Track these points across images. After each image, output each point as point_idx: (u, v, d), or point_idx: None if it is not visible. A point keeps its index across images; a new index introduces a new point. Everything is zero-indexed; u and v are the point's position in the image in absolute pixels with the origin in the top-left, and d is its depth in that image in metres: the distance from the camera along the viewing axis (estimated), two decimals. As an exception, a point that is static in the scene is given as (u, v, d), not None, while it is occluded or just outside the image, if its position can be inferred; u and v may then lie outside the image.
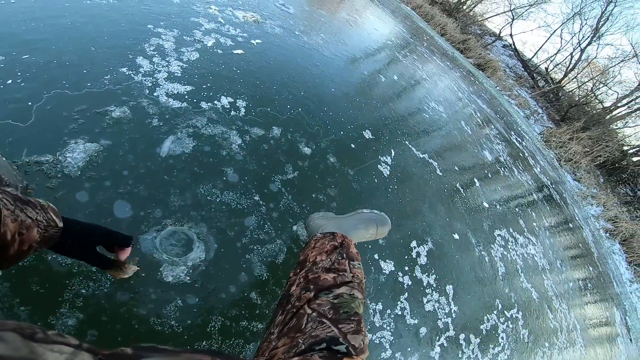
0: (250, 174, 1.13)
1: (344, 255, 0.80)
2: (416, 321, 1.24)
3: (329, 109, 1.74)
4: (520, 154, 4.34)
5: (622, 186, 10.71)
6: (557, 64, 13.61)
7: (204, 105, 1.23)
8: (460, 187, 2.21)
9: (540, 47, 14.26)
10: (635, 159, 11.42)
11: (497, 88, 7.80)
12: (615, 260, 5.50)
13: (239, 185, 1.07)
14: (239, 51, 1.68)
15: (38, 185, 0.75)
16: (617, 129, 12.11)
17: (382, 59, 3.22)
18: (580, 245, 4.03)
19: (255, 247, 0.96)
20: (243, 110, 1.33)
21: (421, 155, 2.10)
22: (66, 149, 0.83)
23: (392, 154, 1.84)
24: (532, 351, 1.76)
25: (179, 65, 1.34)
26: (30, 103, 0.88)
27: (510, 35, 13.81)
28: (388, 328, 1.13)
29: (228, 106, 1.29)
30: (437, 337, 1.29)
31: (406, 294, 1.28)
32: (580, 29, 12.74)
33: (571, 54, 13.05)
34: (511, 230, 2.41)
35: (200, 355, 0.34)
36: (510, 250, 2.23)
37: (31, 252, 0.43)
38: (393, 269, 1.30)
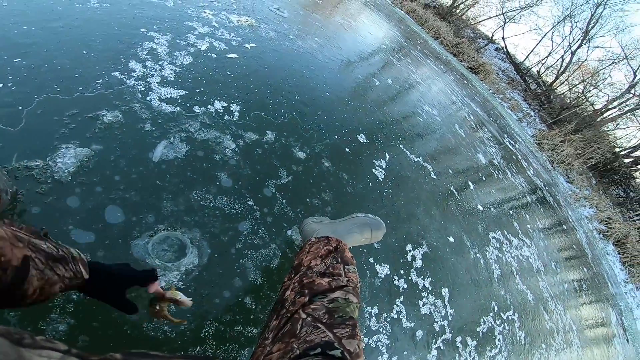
0: (244, 179, 1.13)
1: (339, 259, 0.81)
2: (412, 324, 1.25)
3: (324, 113, 1.76)
4: (514, 157, 4.42)
5: (614, 187, 10.95)
6: (549, 67, 13.96)
7: (197, 109, 1.23)
8: (454, 190, 2.25)
9: (532, 50, 14.62)
10: (626, 160, 11.70)
11: (490, 91, 7.96)
12: (610, 261, 5.60)
13: (233, 190, 1.08)
14: (233, 55, 1.69)
15: (28, 191, 0.75)
16: (608, 130, 12.41)
17: (377, 63, 3.27)
18: (574, 246, 4.09)
19: (249, 252, 0.96)
20: (237, 114, 1.34)
21: (415, 159, 2.12)
22: (57, 154, 0.83)
23: (387, 158, 1.86)
24: (529, 353, 1.78)
25: (172, 70, 1.35)
26: (20, 107, 0.88)
27: (503, 38, 14.13)
28: (384, 332, 1.14)
29: (222, 111, 1.30)
30: (434, 340, 1.30)
31: (402, 298, 1.29)
32: (571, 32, 13.10)
33: (562, 56, 13.39)
34: (506, 233, 2.45)
35: None
36: (505, 252, 2.26)
37: (49, 299, 0.45)
38: (388, 272, 1.31)
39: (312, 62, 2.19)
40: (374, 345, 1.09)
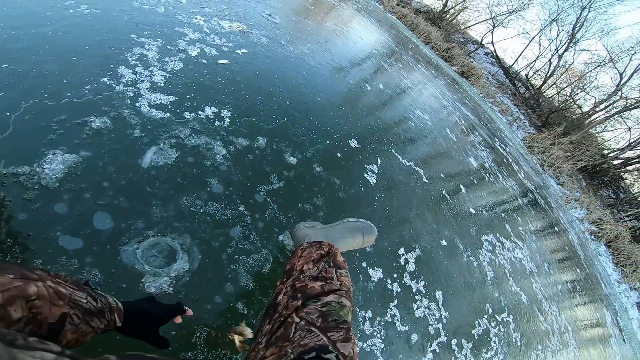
0: (235, 185, 1.14)
1: (331, 263, 0.82)
2: (407, 328, 1.27)
3: (315, 118, 1.79)
4: (505, 160, 4.53)
5: (604, 189, 11.26)
6: (537, 71, 14.39)
7: (187, 115, 1.24)
8: (446, 194, 2.29)
9: (520, 54, 15.06)
10: (615, 162, 12.07)
11: (481, 95, 8.16)
12: (602, 262, 5.72)
13: (224, 196, 1.09)
14: (224, 61, 1.72)
15: (15, 197, 0.74)
16: (596, 133, 12.81)
17: (368, 68, 3.33)
18: (567, 248, 4.18)
19: (240, 257, 0.97)
20: (228, 120, 1.35)
21: (407, 163, 2.16)
22: (44, 160, 0.83)
23: (379, 163, 1.89)
24: (525, 354, 1.81)
25: (162, 75, 1.36)
26: (8, 113, 0.88)
27: (492, 42, 14.55)
28: (379, 335, 1.15)
29: (212, 116, 1.32)
30: (429, 343, 1.31)
31: (396, 301, 1.30)
32: (558, 35, 13.57)
33: (549, 60, 13.83)
34: (498, 235, 2.50)
35: None
36: (498, 254, 2.31)
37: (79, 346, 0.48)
38: (381, 276, 1.33)
39: (303, 68, 2.22)
40: (369, 349, 1.10)
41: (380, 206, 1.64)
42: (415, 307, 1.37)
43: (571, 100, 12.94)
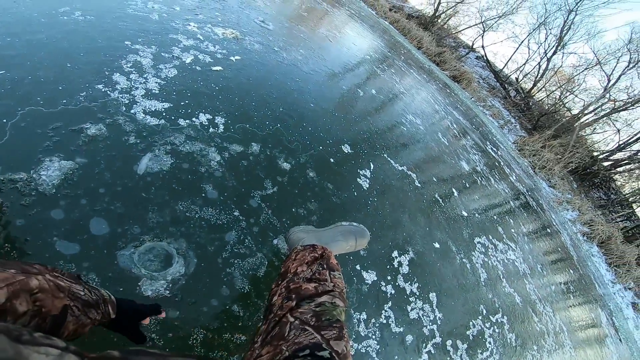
0: (229, 190, 1.17)
1: (325, 266, 0.86)
2: (402, 329, 1.30)
3: (308, 124, 1.83)
4: (496, 163, 4.64)
5: (595, 191, 11.54)
6: (526, 74, 14.80)
7: (182, 122, 1.27)
8: (439, 198, 2.35)
9: (510, 58, 15.48)
10: (605, 163, 12.39)
11: (472, 99, 8.35)
12: (595, 263, 5.84)
13: (219, 201, 1.12)
14: (218, 68, 1.75)
15: (12, 203, 0.76)
16: (585, 135, 13.17)
17: (361, 74, 3.41)
18: (560, 249, 4.28)
19: (236, 261, 0.99)
20: (222, 127, 1.39)
21: (400, 168, 2.22)
22: (41, 167, 0.85)
23: (371, 167, 1.94)
24: (520, 354, 1.85)
25: (156, 82, 1.39)
26: (5, 120, 0.90)
27: (482, 46, 14.92)
28: (374, 337, 1.18)
29: (207, 123, 1.35)
30: (424, 345, 1.34)
31: (390, 303, 1.34)
32: (546, 39, 13.99)
33: (539, 63, 14.24)
34: (491, 238, 2.56)
35: (188, 359, 0.38)
36: (491, 256, 2.36)
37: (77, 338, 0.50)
38: (375, 278, 1.37)
39: (296, 74, 2.28)
40: (364, 351, 1.12)
41: (373, 210, 1.68)
42: (409, 308, 1.41)
43: (560, 103, 13.31)
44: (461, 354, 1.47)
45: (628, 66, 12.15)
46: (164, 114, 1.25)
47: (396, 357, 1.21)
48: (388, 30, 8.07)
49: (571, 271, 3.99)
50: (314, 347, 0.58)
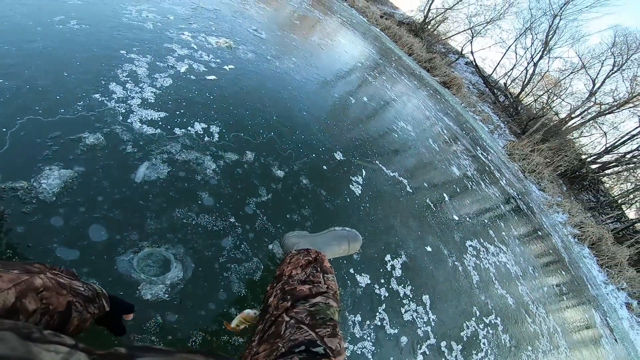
0: (225, 198, 1.22)
1: (318, 269, 0.90)
2: (396, 331, 1.34)
3: (301, 132, 1.90)
4: (487, 168, 4.78)
5: (584, 193, 11.88)
6: (514, 79, 15.28)
7: (177, 131, 1.32)
8: (430, 203, 2.42)
9: (498, 63, 16.01)
10: (593, 166, 12.79)
11: (462, 105, 8.58)
12: (587, 264, 5.98)
13: (215, 208, 1.16)
14: (212, 77, 1.81)
15: (14, 211, 0.79)
16: (573, 139, 13.59)
17: (353, 81, 3.51)
18: (551, 251, 4.39)
19: (232, 266, 1.03)
20: (217, 135, 1.43)
21: (391, 174, 2.29)
22: (41, 175, 0.89)
23: (363, 174, 2.01)
24: (515, 355, 1.90)
25: (152, 92, 1.43)
26: (4, 129, 0.93)
27: (471, 52, 15.38)
28: (368, 338, 1.22)
29: (202, 132, 1.39)
30: (419, 346, 1.39)
31: (384, 305, 1.38)
32: (532, 44, 14.51)
33: (526, 68, 14.73)
34: (482, 241, 2.64)
35: (194, 355, 0.40)
36: (483, 259, 2.43)
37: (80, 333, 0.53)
38: (369, 281, 1.41)
39: (289, 83, 2.35)
40: (360, 352, 1.16)
41: (366, 215, 1.74)
42: (403, 310, 1.45)
43: (548, 107, 13.75)
44: (456, 355, 1.52)
45: (612, 69, 12.66)
46: (160, 123, 1.30)
47: (391, 358, 1.25)
48: (379, 37, 8.27)
49: (563, 273, 4.09)
50: (309, 343, 0.62)
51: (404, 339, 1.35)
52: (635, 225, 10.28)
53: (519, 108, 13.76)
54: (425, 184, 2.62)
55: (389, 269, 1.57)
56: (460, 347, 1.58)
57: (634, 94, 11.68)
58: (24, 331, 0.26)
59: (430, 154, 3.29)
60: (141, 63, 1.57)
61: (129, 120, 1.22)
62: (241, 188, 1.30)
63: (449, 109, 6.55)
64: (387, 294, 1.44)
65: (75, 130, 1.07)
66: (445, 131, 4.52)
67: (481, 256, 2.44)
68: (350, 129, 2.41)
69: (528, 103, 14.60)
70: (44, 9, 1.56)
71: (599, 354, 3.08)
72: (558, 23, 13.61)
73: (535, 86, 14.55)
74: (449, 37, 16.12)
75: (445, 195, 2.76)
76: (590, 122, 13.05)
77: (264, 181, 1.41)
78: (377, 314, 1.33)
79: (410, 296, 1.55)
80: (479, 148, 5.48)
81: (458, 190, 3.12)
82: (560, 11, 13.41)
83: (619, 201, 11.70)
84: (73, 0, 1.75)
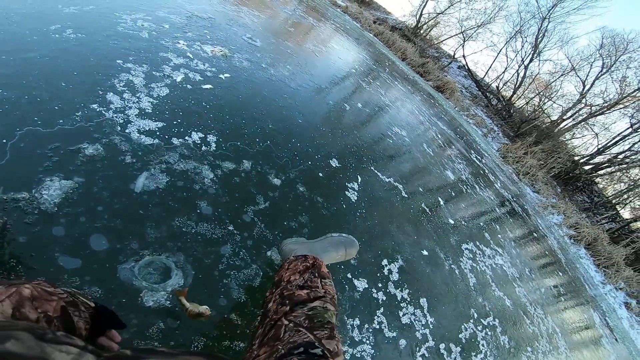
0: (223, 206, 1.25)
1: (316, 274, 0.94)
2: (395, 334, 1.37)
3: (297, 140, 1.94)
4: (481, 172, 4.87)
5: (578, 194, 12.09)
6: (506, 82, 15.63)
7: (175, 141, 1.35)
8: (426, 207, 2.47)
9: (490, 67, 16.37)
10: (586, 167, 13.04)
11: (456, 109, 8.74)
12: (584, 264, 6.06)
13: (213, 216, 1.19)
14: (208, 86, 1.85)
15: (16, 222, 0.82)
16: (566, 140, 13.88)
17: (347, 88, 3.58)
18: (547, 252, 4.46)
19: (232, 273, 1.06)
20: (214, 145, 1.47)
21: (387, 180, 2.34)
22: (42, 186, 0.91)
23: (359, 180, 2.05)
24: (515, 356, 1.93)
25: (149, 102, 1.46)
26: (4, 140, 0.96)
27: (463, 56, 15.70)
28: (367, 342, 1.25)
29: (199, 141, 1.43)
30: (418, 348, 1.42)
31: (382, 309, 1.42)
32: (522, 47, 14.86)
33: (517, 71, 15.06)
34: (478, 244, 2.69)
35: (196, 357, 0.43)
36: (479, 262, 2.48)
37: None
38: (367, 286, 1.45)
39: (284, 90, 2.40)
40: (359, 355, 1.19)
41: (362, 221, 1.78)
42: (401, 314, 1.48)
43: (540, 109, 14.05)
44: (455, 357, 1.55)
45: (601, 71, 13.00)
46: (157, 133, 1.33)
47: (391, 361, 1.28)
48: (373, 42, 8.43)
49: (560, 274, 4.16)
50: (308, 345, 0.66)
51: (402, 342, 1.38)
52: (631, 225, 10.48)
53: (512, 111, 14.06)
54: (420, 189, 2.68)
55: (386, 273, 1.61)
56: (459, 349, 1.61)
57: (624, 95, 12.02)
58: (39, 331, 0.27)
59: (425, 158, 3.36)
60: (137, 72, 1.60)
61: (127, 131, 1.25)
62: (239, 196, 1.33)
63: (443, 113, 6.68)
64: (384, 298, 1.48)
65: (75, 141, 1.09)
66: (439, 135, 4.61)
67: (477, 259, 2.49)
68: (345, 135, 2.46)
69: (520, 106, 14.93)
70: (40, 18, 1.58)
71: (600, 353, 3.13)
72: (547, 26, 14.02)
73: (526, 89, 14.90)
74: (442, 42, 16.48)
75: (440, 199, 2.81)
76: (582, 123, 13.37)
77: (261, 189, 1.44)
78: (376, 317, 1.36)
79: (408, 299, 1.59)
80: (473, 152, 5.59)
81: (453, 194, 3.18)
82: (549, 14, 13.81)
83: (613, 201, 11.94)
84: (69, 8, 1.79)
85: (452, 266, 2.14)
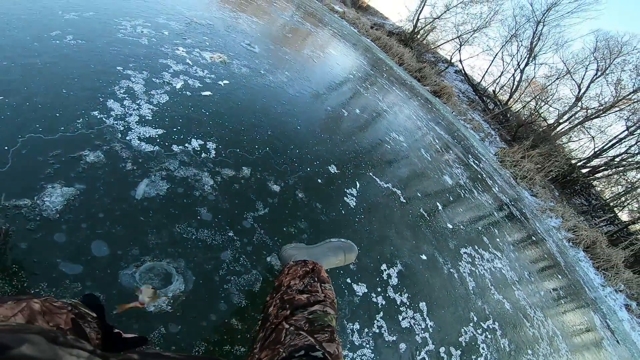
0: (223, 213, 1.26)
1: (316, 279, 0.95)
2: (394, 338, 1.38)
3: (296, 146, 1.97)
4: (479, 176, 4.91)
5: (576, 197, 12.17)
6: (502, 86, 15.81)
7: (175, 148, 1.37)
8: (424, 212, 2.50)
9: (486, 71, 16.56)
10: (584, 170, 13.16)
11: (453, 113, 8.83)
12: (583, 267, 6.09)
13: (213, 223, 1.20)
14: (208, 93, 1.88)
15: (18, 228, 0.83)
16: (563, 144, 14.01)
17: (345, 93, 3.63)
18: (546, 256, 4.48)
19: (232, 278, 1.07)
20: (213, 152, 1.49)
21: (385, 185, 2.37)
22: (44, 193, 0.93)
23: (357, 186, 2.08)
24: (515, 359, 1.94)
25: (149, 108, 1.49)
26: (6, 147, 0.98)
27: (460, 60, 15.90)
28: (367, 346, 1.26)
29: (199, 148, 1.45)
30: (418, 352, 1.42)
31: (381, 313, 1.43)
32: (518, 51, 15.05)
33: (513, 75, 15.25)
34: (477, 248, 2.71)
35: None
36: (478, 266, 2.50)
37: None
38: (366, 290, 1.46)
39: (283, 97, 2.43)
40: (360, 359, 1.20)
41: (361, 227, 1.80)
42: (400, 318, 1.49)
43: (536, 113, 14.20)
44: (455, 360, 1.56)
45: (596, 74, 13.17)
46: (157, 140, 1.35)
47: (391, 365, 1.29)
48: (370, 47, 8.54)
49: (560, 277, 4.18)
50: (309, 348, 0.67)
51: (402, 346, 1.39)
52: (629, 227, 10.56)
53: (508, 115, 14.21)
54: (418, 194, 2.70)
55: (385, 278, 1.62)
56: (459, 352, 1.61)
57: (619, 98, 12.19)
58: (51, 335, 0.28)
59: (423, 163, 3.39)
60: (137, 79, 1.63)
61: (127, 138, 1.27)
62: (239, 203, 1.35)
63: (440, 118, 6.75)
64: (384, 302, 1.49)
65: (76, 148, 1.11)
66: (437, 140, 4.66)
67: (476, 263, 2.51)
68: (343, 141, 2.49)
69: (517, 110, 15.10)
70: (40, 24, 1.61)
71: (602, 356, 3.13)
72: (542, 29, 14.24)
73: (523, 93, 15.08)
74: (438, 46, 16.70)
75: (438, 204, 2.84)
76: (578, 126, 13.52)
77: (260, 196, 1.46)
78: (375, 321, 1.38)
79: (408, 304, 1.60)
80: (470, 156, 5.64)
81: (451, 198, 3.21)
82: (543, 17, 14.03)
83: (611, 204, 12.03)
84: (69, 14, 1.82)
85: (451, 270, 2.15)
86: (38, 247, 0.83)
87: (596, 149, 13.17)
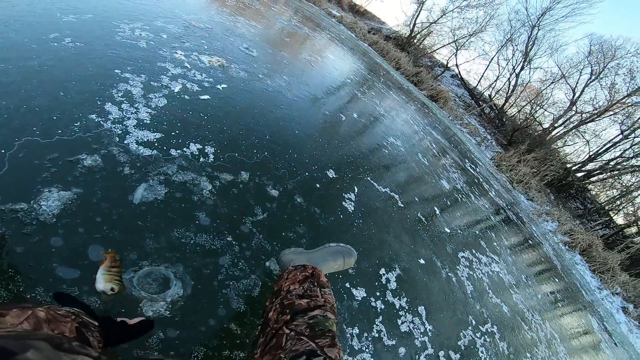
0: (222, 217, 1.26)
1: (315, 283, 0.95)
2: (394, 342, 1.38)
3: (294, 151, 1.97)
4: (475, 180, 4.95)
5: (572, 201, 12.29)
6: (498, 91, 15.97)
7: (173, 152, 1.37)
8: (422, 217, 2.51)
9: (482, 75, 16.74)
10: (579, 174, 13.31)
11: (450, 118, 8.93)
12: (580, 270, 6.15)
13: (212, 227, 1.20)
14: (206, 97, 1.88)
15: (14, 232, 0.82)
16: (558, 148, 14.17)
17: (343, 98, 3.65)
18: (543, 259, 4.52)
19: (231, 283, 1.07)
20: (212, 156, 1.49)
21: (383, 190, 2.38)
22: (40, 197, 0.92)
23: (355, 191, 2.09)
24: None
25: (147, 112, 1.49)
26: (3, 150, 0.97)
27: (456, 65, 16.07)
28: (367, 350, 1.26)
29: (197, 153, 1.45)
30: (417, 356, 1.43)
31: (380, 317, 1.43)
32: (513, 55, 15.24)
33: (508, 79, 15.44)
34: (474, 252, 2.73)
35: None
36: (476, 269, 2.51)
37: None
38: (365, 295, 1.46)
39: (281, 101, 2.45)
40: (358, 364, 1.20)
41: (359, 231, 1.80)
42: (399, 322, 1.50)
43: (531, 117, 14.36)
44: (454, 364, 1.56)
45: (590, 78, 13.36)
46: (155, 144, 1.35)
47: (390, 369, 1.29)
48: (367, 52, 8.62)
49: (556, 280, 4.21)
50: (310, 353, 0.67)
51: (402, 350, 1.39)
52: (624, 230, 10.68)
53: (504, 119, 14.38)
54: (416, 198, 2.72)
55: (384, 282, 1.62)
56: (458, 356, 1.62)
57: (613, 102, 12.39)
58: (56, 341, 0.29)
59: (420, 168, 3.42)
60: (136, 82, 1.63)
61: (125, 142, 1.27)
62: (237, 208, 1.35)
63: (437, 122, 6.82)
64: (383, 306, 1.49)
65: (73, 152, 1.11)
66: (434, 145, 4.70)
67: (474, 267, 2.52)
68: (341, 146, 2.51)
69: (512, 114, 15.28)
70: (39, 26, 1.61)
71: (600, 358, 3.15)
72: (536, 34, 14.46)
73: (518, 97, 15.27)
74: (435, 51, 16.88)
75: (436, 208, 2.86)
76: (573, 131, 13.70)
77: (259, 200, 1.46)
78: (375, 326, 1.38)
79: (406, 308, 1.60)
80: (467, 161, 5.69)
81: (448, 203, 3.24)
82: (538, 22, 14.27)
83: (606, 207, 12.17)
84: (67, 17, 1.82)
85: (449, 274, 2.16)
86: (34, 251, 0.82)
87: (591, 153, 13.36)
